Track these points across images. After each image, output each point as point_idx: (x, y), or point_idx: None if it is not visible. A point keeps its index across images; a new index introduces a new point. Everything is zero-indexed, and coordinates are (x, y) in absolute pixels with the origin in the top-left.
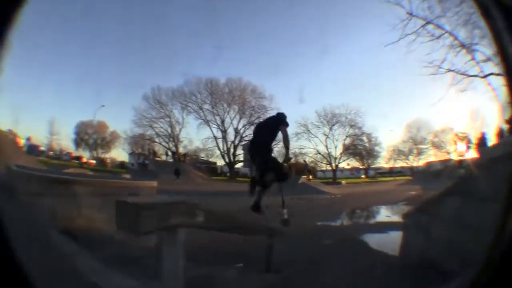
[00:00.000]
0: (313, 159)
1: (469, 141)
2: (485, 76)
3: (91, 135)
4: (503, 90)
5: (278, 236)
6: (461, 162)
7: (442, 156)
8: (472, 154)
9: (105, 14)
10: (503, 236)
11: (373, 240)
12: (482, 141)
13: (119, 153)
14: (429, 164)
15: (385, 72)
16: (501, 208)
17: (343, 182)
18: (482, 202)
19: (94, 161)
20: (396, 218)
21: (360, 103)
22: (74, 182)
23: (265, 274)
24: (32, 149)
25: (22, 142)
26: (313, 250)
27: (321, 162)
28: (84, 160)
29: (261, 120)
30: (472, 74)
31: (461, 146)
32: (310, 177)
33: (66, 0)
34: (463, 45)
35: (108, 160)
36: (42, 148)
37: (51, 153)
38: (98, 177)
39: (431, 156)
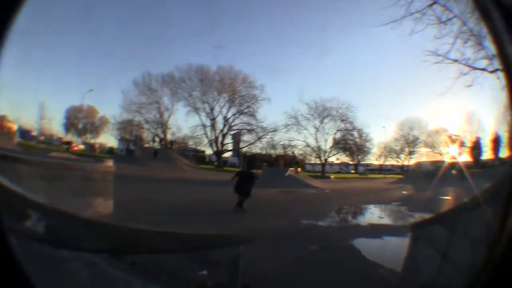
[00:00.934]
0: (302, 152)
1: (462, 144)
2: (494, 71)
3: (80, 120)
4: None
5: (249, 243)
6: (453, 165)
7: (433, 157)
8: (464, 158)
9: None
10: (503, 236)
11: (366, 247)
12: (476, 145)
13: (108, 139)
14: (420, 164)
15: (382, 65)
16: (501, 208)
17: (332, 176)
18: None
19: (82, 146)
20: (390, 221)
21: (353, 98)
22: (17, 160)
23: None
24: (24, 134)
25: (14, 127)
26: (294, 258)
27: (310, 155)
28: (74, 145)
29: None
30: (480, 67)
31: (454, 149)
32: (298, 169)
33: None
34: (472, 33)
35: (97, 146)
36: (34, 133)
37: (42, 138)
38: (65, 160)
39: (423, 156)
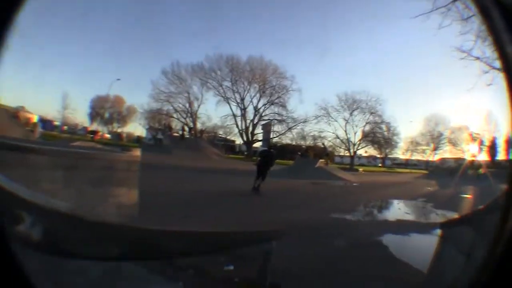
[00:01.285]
0: (331, 143)
1: (481, 143)
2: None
3: (106, 109)
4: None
5: (278, 239)
6: (472, 163)
7: (456, 154)
8: (483, 157)
9: None
10: (503, 235)
11: (394, 244)
12: (493, 146)
13: (136, 128)
14: (444, 160)
15: (410, 59)
16: (502, 207)
17: (361, 169)
18: None
19: (108, 135)
20: (416, 217)
21: (381, 91)
22: (32, 150)
23: None
24: (46, 125)
25: (35, 118)
26: (322, 255)
27: (339, 147)
28: (100, 134)
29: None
30: (497, 67)
31: (474, 147)
32: (328, 161)
33: None
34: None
35: (124, 135)
36: (56, 123)
37: (65, 127)
38: (90, 149)
39: (446, 152)
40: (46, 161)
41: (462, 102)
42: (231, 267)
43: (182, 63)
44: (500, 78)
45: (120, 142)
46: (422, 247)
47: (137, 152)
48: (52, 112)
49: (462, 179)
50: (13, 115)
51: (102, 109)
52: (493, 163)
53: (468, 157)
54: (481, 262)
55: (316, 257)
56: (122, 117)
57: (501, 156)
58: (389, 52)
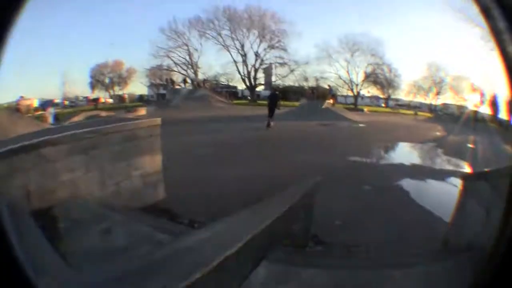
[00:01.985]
0: (334, 84)
1: (483, 95)
2: None
3: (106, 75)
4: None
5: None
6: (476, 113)
7: (458, 101)
8: (485, 109)
9: None
10: (504, 235)
11: (413, 190)
12: (494, 101)
13: (137, 87)
14: (447, 105)
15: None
16: (504, 206)
17: (365, 109)
18: None
19: (111, 100)
20: (429, 163)
21: (383, 33)
22: (44, 144)
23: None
24: (45, 104)
25: (35, 102)
26: (351, 201)
27: (342, 87)
28: (102, 100)
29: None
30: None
31: (476, 97)
32: (331, 101)
33: None
34: None
35: (126, 96)
36: (57, 100)
37: (66, 102)
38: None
39: (448, 98)
40: (64, 150)
41: (466, 52)
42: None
43: (180, 19)
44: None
45: (124, 104)
46: (441, 195)
47: (157, 119)
48: (53, 90)
49: (465, 127)
50: (14, 109)
51: (102, 75)
52: (495, 119)
53: (470, 106)
54: (498, 225)
55: (347, 204)
56: (123, 79)
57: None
58: None
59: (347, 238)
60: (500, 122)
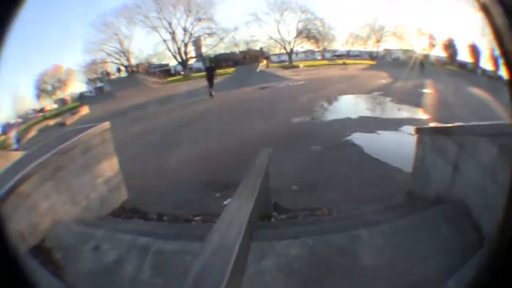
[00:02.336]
0: (266, 45)
1: (432, 38)
2: None
3: (48, 83)
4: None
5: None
6: (426, 57)
7: (404, 46)
8: (437, 53)
9: None
10: (505, 234)
11: (366, 143)
12: (450, 44)
13: (77, 87)
14: (390, 51)
15: None
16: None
17: (301, 65)
18: None
19: (55, 105)
20: (377, 113)
21: None
22: (18, 185)
23: None
24: (6, 129)
25: None
26: (303, 162)
27: (274, 47)
28: (47, 108)
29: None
30: None
31: (424, 41)
32: (265, 63)
33: None
34: None
35: (68, 98)
36: (12, 121)
37: (20, 120)
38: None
39: (391, 45)
40: (36, 181)
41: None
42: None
43: (108, 11)
44: None
45: (67, 107)
46: (393, 145)
47: (106, 123)
48: (6, 112)
49: (414, 71)
50: None
51: (44, 84)
52: (453, 61)
53: (418, 50)
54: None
55: (299, 167)
56: (63, 82)
57: (463, 57)
58: None
59: (307, 202)
60: (462, 65)
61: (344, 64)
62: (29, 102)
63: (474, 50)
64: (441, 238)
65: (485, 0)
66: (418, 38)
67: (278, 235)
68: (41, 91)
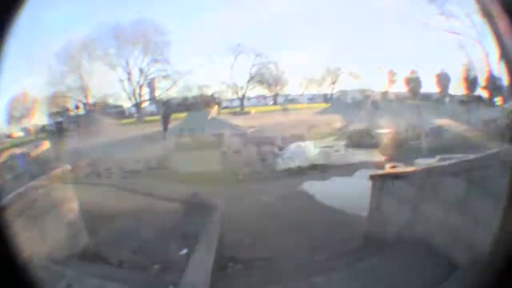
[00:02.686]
0: (218, 90)
1: (393, 74)
2: None
3: (17, 109)
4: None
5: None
6: (384, 94)
7: (360, 86)
8: (400, 88)
9: None
10: (504, 234)
11: (319, 191)
12: (412, 77)
13: (41, 118)
14: (344, 92)
15: None
16: (503, 206)
17: (252, 111)
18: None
19: (22, 133)
20: (331, 160)
21: (268, 32)
22: None
23: None
24: None
25: None
26: (255, 214)
27: (226, 92)
28: (14, 135)
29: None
30: None
31: (383, 78)
32: (216, 109)
33: None
34: None
35: (31, 128)
36: None
37: None
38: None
39: (347, 85)
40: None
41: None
42: (185, 251)
43: (74, 41)
44: None
45: (29, 138)
46: (348, 191)
47: (68, 167)
48: None
49: (372, 112)
50: None
51: (14, 110)
52: (415, 95)
53: (376, 88)
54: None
55: (251, 220)
56: (28, 111)
57: (427, 89)
58: None
59: (262, 253)
60: (426, 97)
61: (285, 109)
62: (3, 127)
63: (443, 78)
64: (402, 276)
65: (487, 3)
66: (377, 75)
67: (233, 285)
68: (11, 117)
